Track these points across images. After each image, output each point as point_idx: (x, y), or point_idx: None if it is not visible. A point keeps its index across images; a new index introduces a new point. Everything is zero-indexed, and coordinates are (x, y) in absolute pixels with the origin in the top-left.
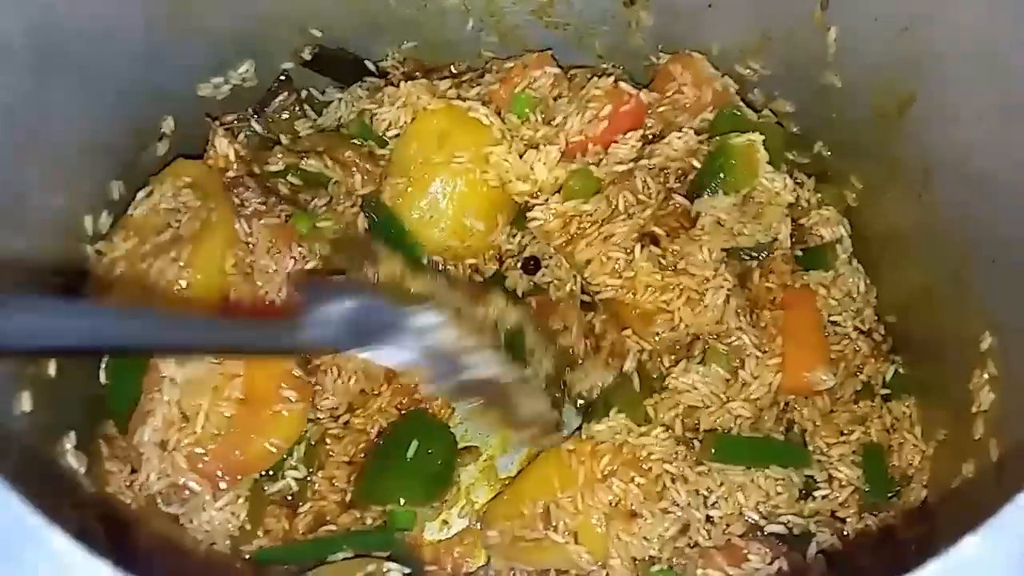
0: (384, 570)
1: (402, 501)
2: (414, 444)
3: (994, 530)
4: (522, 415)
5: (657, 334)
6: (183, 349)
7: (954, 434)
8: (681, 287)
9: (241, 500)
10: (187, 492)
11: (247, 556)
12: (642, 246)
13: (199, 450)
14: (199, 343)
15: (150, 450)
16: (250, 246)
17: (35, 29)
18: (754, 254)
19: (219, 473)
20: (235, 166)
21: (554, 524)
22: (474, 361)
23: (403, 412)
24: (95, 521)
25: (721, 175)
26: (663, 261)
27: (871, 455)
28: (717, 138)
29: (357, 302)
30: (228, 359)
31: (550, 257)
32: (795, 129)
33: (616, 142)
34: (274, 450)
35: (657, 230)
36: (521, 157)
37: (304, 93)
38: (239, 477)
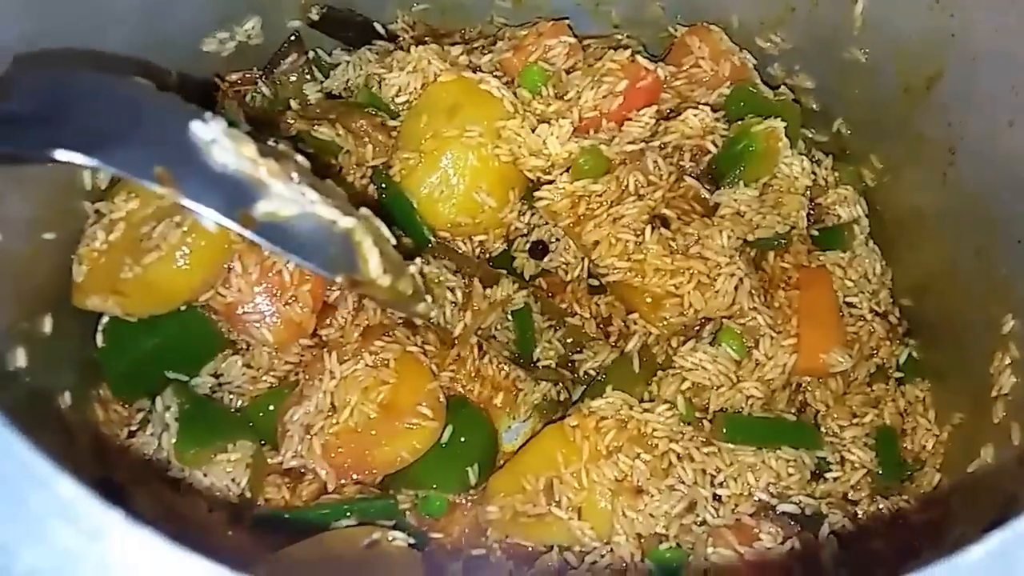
0: (389, 538)
1: (435, 487)
2: (449, 429)
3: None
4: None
5: (665, 319)
6: None
7: (972, 418)
8: (692, 271)
9: (243, 466)
10: (312, 476)
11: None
12: (652, 228)
13: (335, 441)
14: None
15: (296, 429)
16: None
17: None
18: (773, 243)
19: (346, 466)
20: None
21: (557, 499)
22: (281, 192)
23: (449, 399)
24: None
25: (742, 165)
26: (673, 244)
27: (884, 438)
28: (738, 123)
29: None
30: None
31: (557, 240)
32: (814, 106)
33: (631, 119)
34: (401, 458)
35: (668, 212)
36: (534, 131)
37: (311, 54)
38: (363, 475)
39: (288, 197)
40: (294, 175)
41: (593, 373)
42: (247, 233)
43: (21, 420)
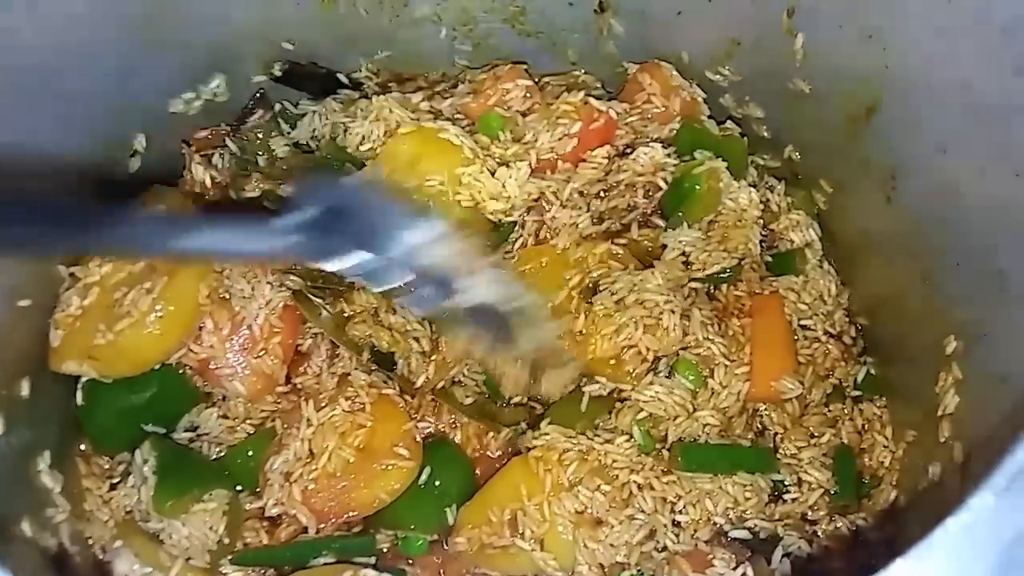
0: None
1: (413, 527)
2: (427, 471)
3: (924, 552)
4: (522, 346)
5: (630, 372)
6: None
7: (922, 436)
8: (636, 319)
9: (220, 514)
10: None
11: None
12: (588, 301)
13: (314, 487)
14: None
15: (276, 478)
16: (224, 272)
17: (3, 48)
18: (723, 275)
19: (326, 510)
20: (211, 192)
21: (521, 531)
22: (471, 283)
23: (426, 440)
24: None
25: (686, 205)
26: (610, 304)
27: (841, 457)
28: (682, 163)
29: (345, 200)
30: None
31: None
32: (765, 133)
33: (584, 160)
34: (379, 500)
35: (595, 277)
36: (493, 175)
37: (278, 107)
38: (343, 517)
39: (478, 285)
40: (481, 261)
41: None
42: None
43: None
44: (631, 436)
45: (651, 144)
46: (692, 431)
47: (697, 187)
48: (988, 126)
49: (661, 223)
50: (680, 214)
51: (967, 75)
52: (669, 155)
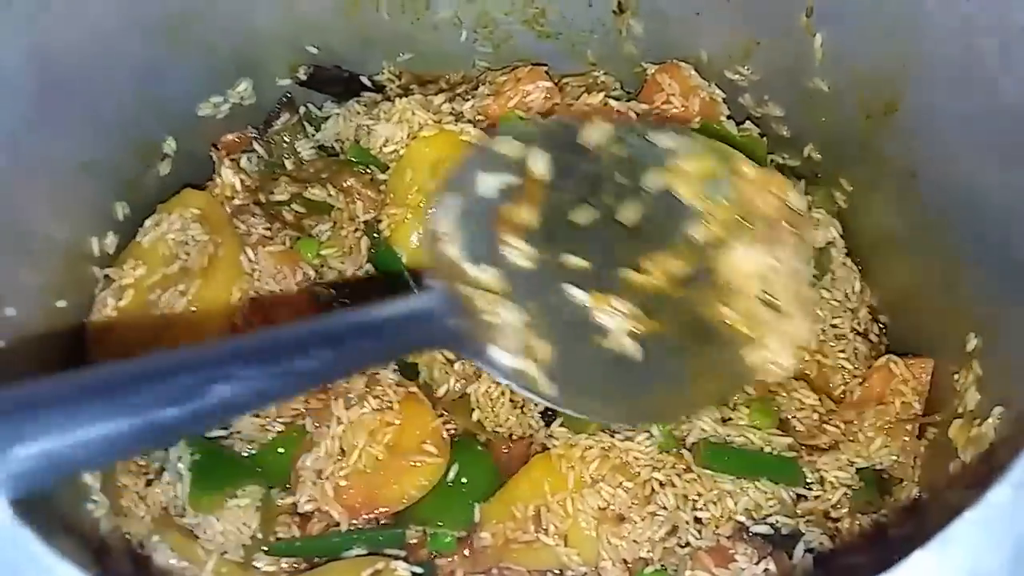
0: (392, 568)
1: (441, 524)
2: (455, 468)
3: (943, 545)
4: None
5: None
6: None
7: (943, 433)
8: None
9: (253, 510)
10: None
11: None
12: None
13: (346, 483)
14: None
15: (308, 475)
16: (255, 274)
17: (35, 55)
18: None
19: (357, 506)
20: (241, 195)
21: (545, 527)
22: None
23: (453, 439)
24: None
25: None
26: None
27: None
28: None
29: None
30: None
31: None
32: (785, 133)
33: None
34: (409, 496)
35: None
36: None
37: (303, 110)
38: (374, 513)
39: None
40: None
41: None
42: None
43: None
44: (651, 434)
45: None
46: (716, 437)
47: None
48: (1008, 125)
49: None
50: None
51: (988, 74)
52: None
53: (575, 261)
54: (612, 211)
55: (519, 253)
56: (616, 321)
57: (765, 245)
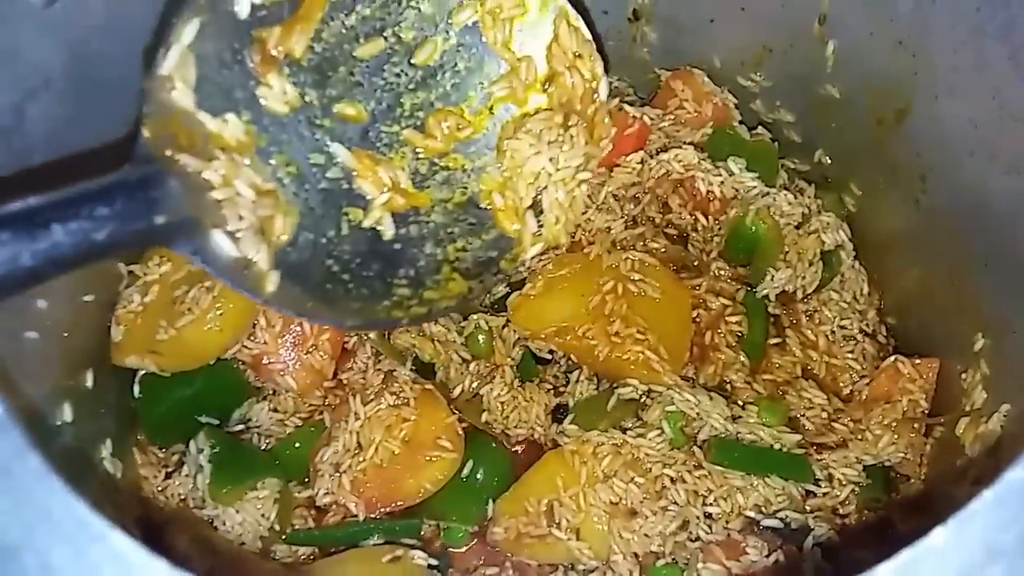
0: (410, 557)
1: (455, 519)
2: (469, 463)
3: (961, 522)
4: None
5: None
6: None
7: (950, 431)
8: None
9: (271, 502)
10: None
11: (276, 555)
12: None
13: (363, 477)
14: None
15: (326, 468)
16: None
17: (73, 59)
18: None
19: (374, 499)
20: None
21: (557, 521)
22: None
23: (467, 433)
24: (133, 525)
25: (757, 254)
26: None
27: None
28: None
29: None
30: None
31: None
32: (796, 138)
33: (619, 164)
34: (424, 489)
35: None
36: None
37: None
38: (390, 506)
39: None
40: None
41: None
42: None
43: (68, 472)
44: (662, 431)
45: (684, 146)
46: (727, 434)
47: (755, 228)
48: (1016, 131)
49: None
50: (759, 267)
51: (996, 82)
52: (703, 159)
53: (348, 110)
54: (409, 50)
55: (274, 94)
56: (379, 192)
57: (553, 140)
